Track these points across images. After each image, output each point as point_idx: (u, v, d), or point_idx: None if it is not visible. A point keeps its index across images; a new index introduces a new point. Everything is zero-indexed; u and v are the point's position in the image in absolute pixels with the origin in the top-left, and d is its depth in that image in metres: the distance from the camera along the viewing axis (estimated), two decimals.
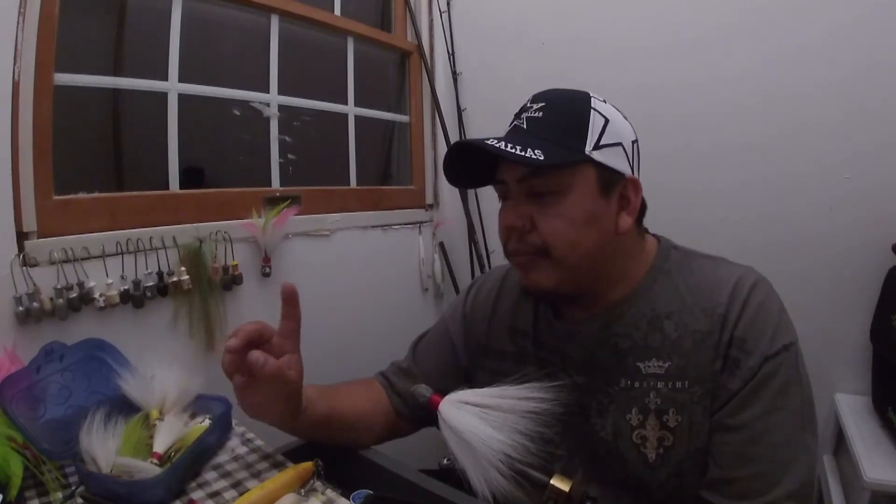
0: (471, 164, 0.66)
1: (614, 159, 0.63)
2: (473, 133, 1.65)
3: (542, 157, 0.57)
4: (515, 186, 0.63)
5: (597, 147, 0.61)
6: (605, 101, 0.65)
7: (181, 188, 1.11)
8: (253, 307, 1.17)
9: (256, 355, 0.57)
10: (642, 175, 0.67)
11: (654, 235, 0.73)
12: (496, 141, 0.59)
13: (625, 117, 0.67)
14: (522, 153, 0.57)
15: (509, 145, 0.58)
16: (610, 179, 0.63)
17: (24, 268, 0.82)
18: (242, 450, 0.76)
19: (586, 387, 0.67)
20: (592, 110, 0.63)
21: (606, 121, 0.63)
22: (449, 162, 0.66)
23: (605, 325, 0.67)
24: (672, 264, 0.68)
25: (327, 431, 0.73)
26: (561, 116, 0.62)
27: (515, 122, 0.65)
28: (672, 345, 0.63)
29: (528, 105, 0.64)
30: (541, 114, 0.62)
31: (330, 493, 0.65)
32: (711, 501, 0.59)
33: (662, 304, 0.65)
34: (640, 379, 0.63)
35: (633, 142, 0.66)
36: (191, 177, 1.15)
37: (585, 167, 0.61)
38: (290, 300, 0.63)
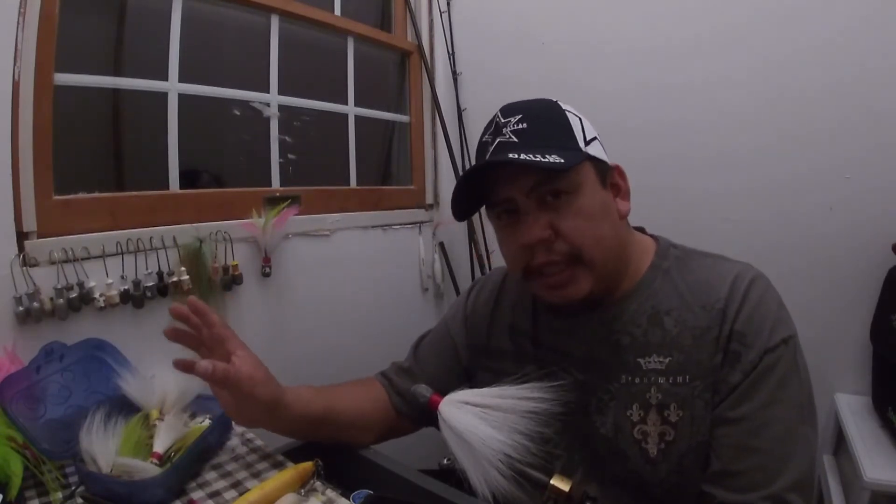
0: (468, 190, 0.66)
1: (600, 151, 0.66)
2: (473, 133, 1.65)
3: (562, 161, 0.58)
4: (524, 200, 0.62)
5: (587, 143, 0.64)
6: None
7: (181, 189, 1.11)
8: (253, 307, 1.17)
9: (203, 365, 0.58)
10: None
11: (651, 235, 0.74)
12: (513, 155, 0.58)
13: None
14: (546, 159, 0.57)
15: (526, 155, 0.58)
16: (603, 171, 0.66)
17: (24, 268, 0.82)
18: (242, 450, 0.76)
19: (587, 384, 0.67)
20: (567, 112, 0.65)
21: (580, 119, 0.66)
22: (463, 190, 0.65)
23: (605, 322, 0.67)
24: (671, 262, 0.68)
25: (326, 430, 0.73)
26: (546, 123, 0.63)
27: (500, 139, 0.63)
28: (672, 340, 0.63)
29: (505, 120, 0.64)
30: (525, 125, 0.62)
31: (330, 493, 0.65)
32: (714, 495, 0.59)
33: (662, 301, 0.65)
34: (641, 375, 0.64)
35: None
36: (190, 179, 1.15)
37: (585, 164, 0.63)
38: (198, 311, 0.65)
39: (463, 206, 0.67)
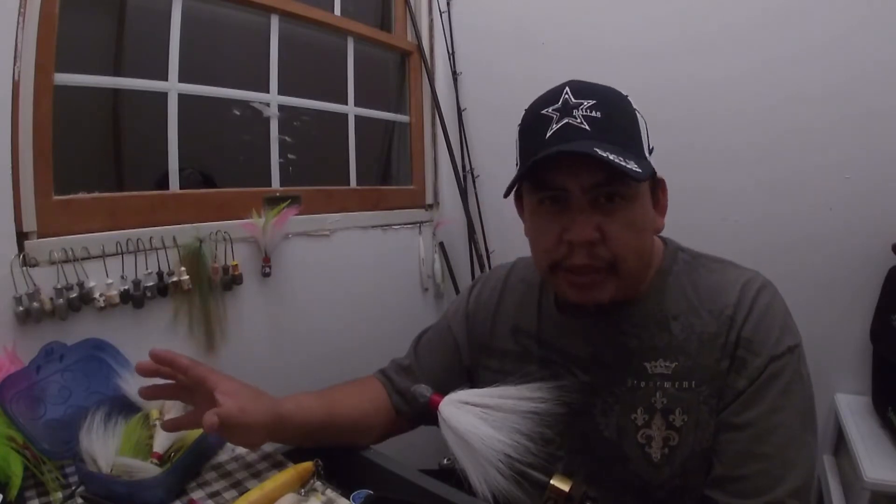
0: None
1: (655, 163, 0.62)
2: (473, 133, 1.65)
3: (640, 171, 0.54)
4: (579, 196, 0.58)
5: (650, 152, 0.62)
6: None
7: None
8: (253, 307, 1.17)
9: (210, 420, 0.56)
10: None
11: (659, 237, 0.73)
12: (600, 151, 0.53)
13: None
14: (624, 164, 0.53)
15: (610, 154, 0.53)
16: (654, 183, 0.64)
17: (24, 268, 0.82)
18: (242, 450, 0.76)
19: (591, 386, 0.67)
20: (636, 112, 0.61)
21: (645, 124, 0.62)
22: (528, 170, 0.58)
23: (613, 325, 0.67)
24: (680, 266, 0.68)
25: (328, 435, 0.73)
26: (620, 119, 0.59)
27: (568, 120, 0.57)
28: (678, 345, 0.63)
29: (576, 101, 0.58)
30: (598, 114, 0.57)
31: (330, 493, 0.65)
32: (715, 499, 0.59)
33: (670, 305, 0.65)
34: (647, 379, 0.63)
35: None
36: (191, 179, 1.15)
37: None
38: (164, 360, 0.63)
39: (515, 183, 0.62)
